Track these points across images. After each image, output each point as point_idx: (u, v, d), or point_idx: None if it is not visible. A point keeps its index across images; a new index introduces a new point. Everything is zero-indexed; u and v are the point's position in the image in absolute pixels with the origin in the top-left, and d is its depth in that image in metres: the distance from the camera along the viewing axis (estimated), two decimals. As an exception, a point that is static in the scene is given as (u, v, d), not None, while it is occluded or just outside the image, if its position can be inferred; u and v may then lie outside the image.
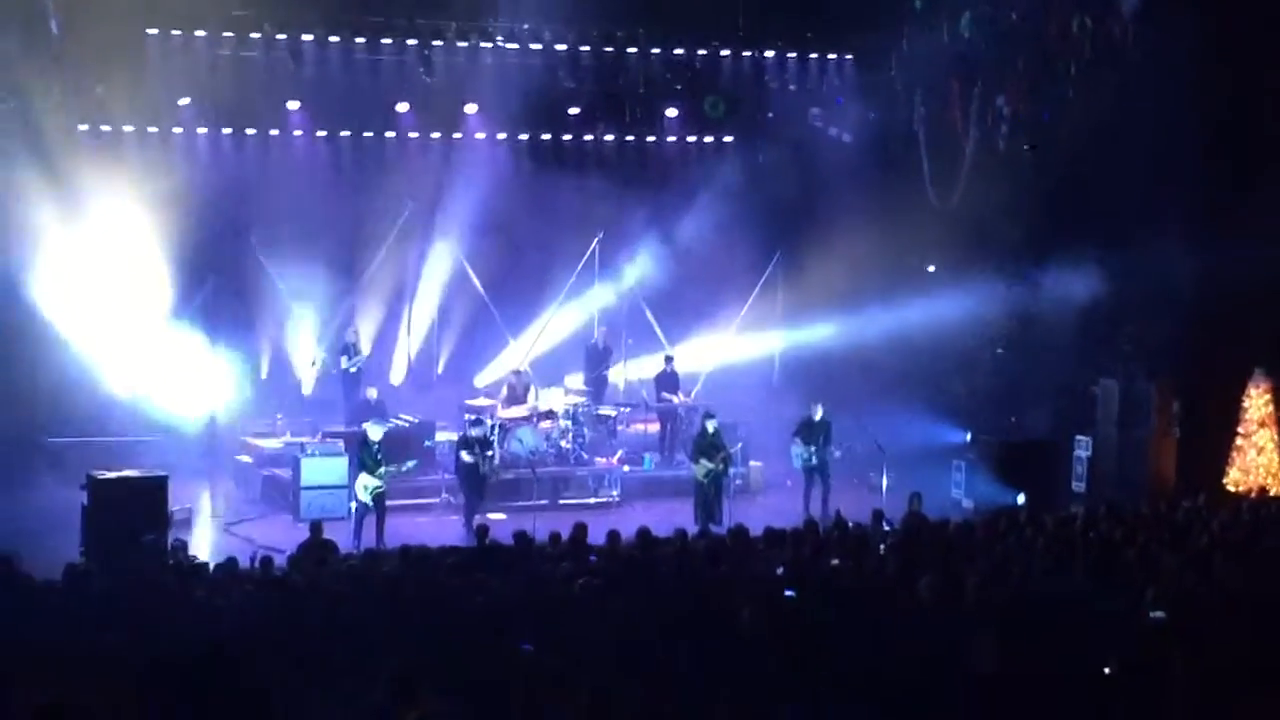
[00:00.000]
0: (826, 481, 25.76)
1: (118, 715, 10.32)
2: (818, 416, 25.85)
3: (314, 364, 29.12)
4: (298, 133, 29.00)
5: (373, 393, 26.84)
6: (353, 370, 28.16)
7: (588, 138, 31.16)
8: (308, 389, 29.36)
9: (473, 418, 25.55)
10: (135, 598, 15.12)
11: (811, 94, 30.84)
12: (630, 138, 31.40)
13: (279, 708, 10.37)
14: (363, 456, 23.12)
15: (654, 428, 29.14)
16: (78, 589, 15.73)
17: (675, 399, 28.64)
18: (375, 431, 23.46)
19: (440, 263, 30.48)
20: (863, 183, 29.49)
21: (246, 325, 29.06)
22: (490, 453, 24.76)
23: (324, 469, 24.70)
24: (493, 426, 25.60)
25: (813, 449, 25.66)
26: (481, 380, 30.36)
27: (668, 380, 28.87)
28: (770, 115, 31.33)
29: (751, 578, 16.11)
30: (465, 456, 24.33)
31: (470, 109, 29.65)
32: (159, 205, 26.95)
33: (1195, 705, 10.40)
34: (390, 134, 29.93)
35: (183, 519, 23.39)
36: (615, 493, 26.64)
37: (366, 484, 22.79)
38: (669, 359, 29.15)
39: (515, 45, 28.79)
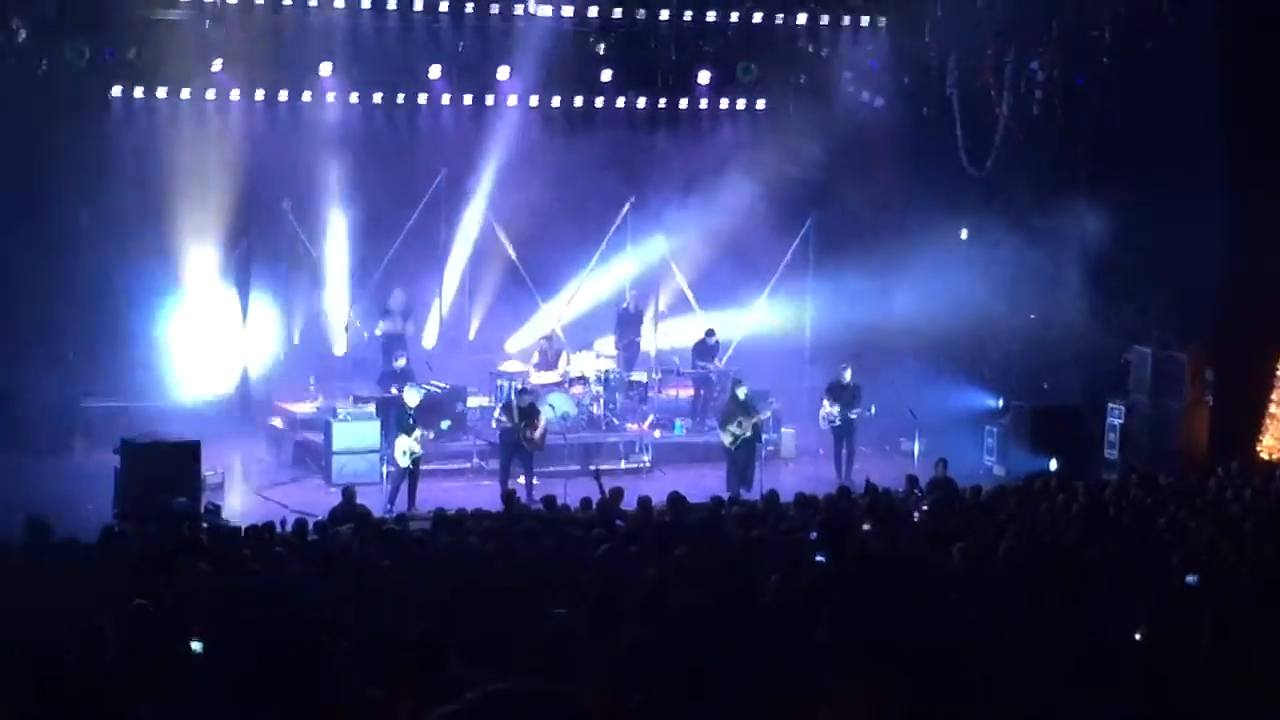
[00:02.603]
0: (852, 444, 25.89)
1: (150, 675, 10.39)
2: (847, 378, 25.95)
3: (347, 327, 29.13)
4: (330, 97, 28.96)
5: (401, 361, 26.79)
6: (379, 333, 28.12)
7: (620, 102, 31.05)
8: (340, 352, 29.38)
9: (520, 386, 25.56)
10: (169, 559, 15.24)
11: (844, 59, 30.66)
12: (662, 102, 31.26)
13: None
14: (401, 421, 23.22)
15: (686, 393, 29.15)
16: (112, 551, 15.87)
17: (710, 367, 28.62)
18: (412, 397, 23.55)
19: (472, 227, 30.49)
20: (895, 148, 29.37)
21: (280, 289, 29.09)
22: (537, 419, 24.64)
23: (356, 433, 24.77)
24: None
25: (837, 409, 25.76)
26: (513, 345, 30.38)
27: (706, 351, 28.85)
28: (803, 80, 31.16)
29: (783, 543, 16.15)
30: (505, 420, 24.30)
31: (503, 73, 29.57)
32: (192, 170, 27.03)
33: (1225, 672, 10.39)
34: (423, 98, 29.88)
35: (215, 483, 23.52)
36: (646, 458, 26.65)
37: (406, 448, 22.90)
38: (710, 331, 29.10)
39: (548, 9, 28.68)
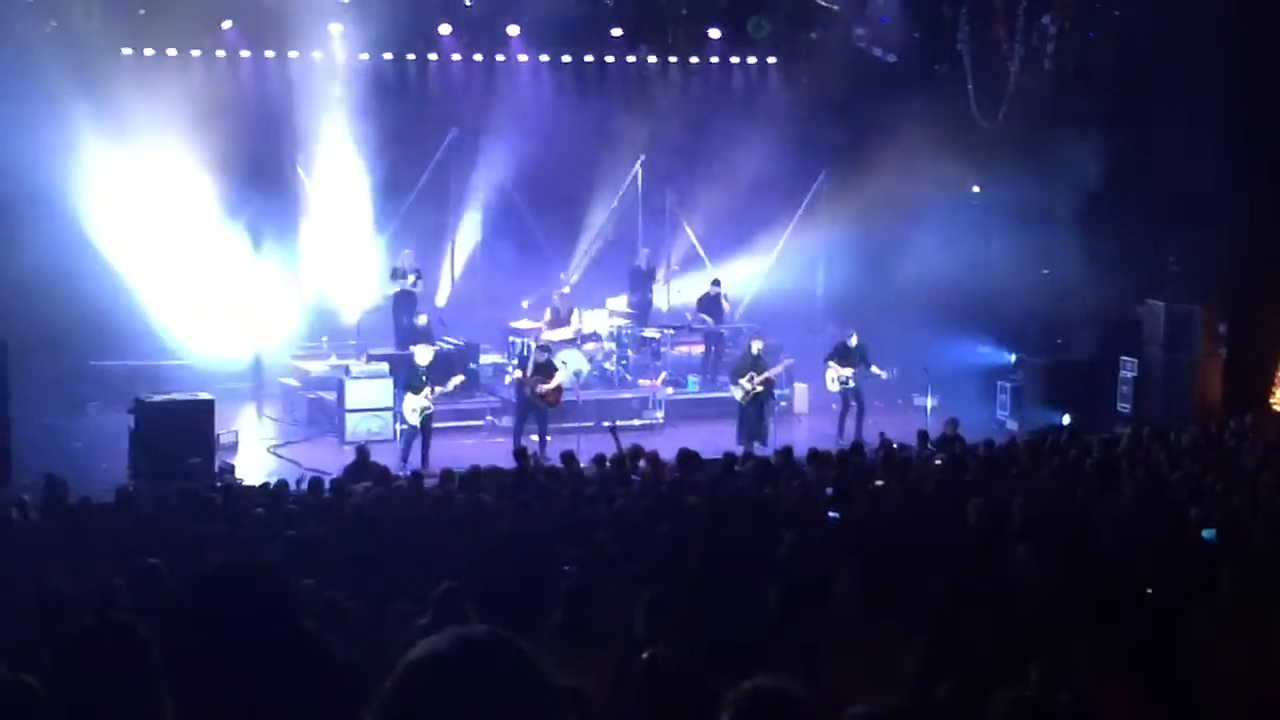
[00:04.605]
0: (861, 404, 25.79)
1: (164, 633, 10.40)
2: (853, 342, 25.84)
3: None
4: (341, 55, 28.90)
5: (422, 319, 26.82)
6: (390, 293, 28.12)
7: (630, 59, 30.97)
8: (353, 313, 29.37)
9: (540, 344, 25.59)
10: (184, 518, 15.28)
11: (856, 14, 30.52)
12: (673, 59, 31.18)
13: (326, 628, 10.44)
14: (410, 379, 23.25)
15: (698, 350, 29.13)
16: (128, 510, 15.91)
17: (713, 322, 28.57)
18: (424, 355, 23.56)
19: (484, 185, 30.45)
20: (907, 103, 29.21)
21: (292, 247, 29.09)
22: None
23: (369, 391, 24.78)
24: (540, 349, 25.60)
25: (849, 372, 25.67)
26: (525, 303, 30.37)
27: (711, 304, 28.78)
28: (814, 36, 31.06)
29: (796, 499, 16.16)
30: (519, 376, 24.31)
31: (512, 30, 29.51)
32: (203, 128, 26.96)
33: (1241, 627, 10.37)
34: (433, 56, 29.84)
35: (229, 442, 23.57)
36: (659, 415, 26.63)
37: (415, 406, 22.94)
38: (715, 282, 29.04)
39: (557, -35, 28.62)
